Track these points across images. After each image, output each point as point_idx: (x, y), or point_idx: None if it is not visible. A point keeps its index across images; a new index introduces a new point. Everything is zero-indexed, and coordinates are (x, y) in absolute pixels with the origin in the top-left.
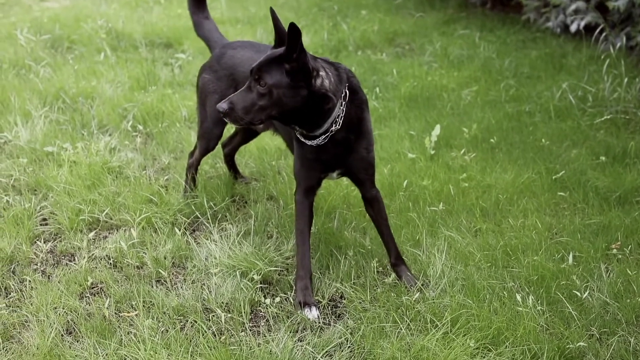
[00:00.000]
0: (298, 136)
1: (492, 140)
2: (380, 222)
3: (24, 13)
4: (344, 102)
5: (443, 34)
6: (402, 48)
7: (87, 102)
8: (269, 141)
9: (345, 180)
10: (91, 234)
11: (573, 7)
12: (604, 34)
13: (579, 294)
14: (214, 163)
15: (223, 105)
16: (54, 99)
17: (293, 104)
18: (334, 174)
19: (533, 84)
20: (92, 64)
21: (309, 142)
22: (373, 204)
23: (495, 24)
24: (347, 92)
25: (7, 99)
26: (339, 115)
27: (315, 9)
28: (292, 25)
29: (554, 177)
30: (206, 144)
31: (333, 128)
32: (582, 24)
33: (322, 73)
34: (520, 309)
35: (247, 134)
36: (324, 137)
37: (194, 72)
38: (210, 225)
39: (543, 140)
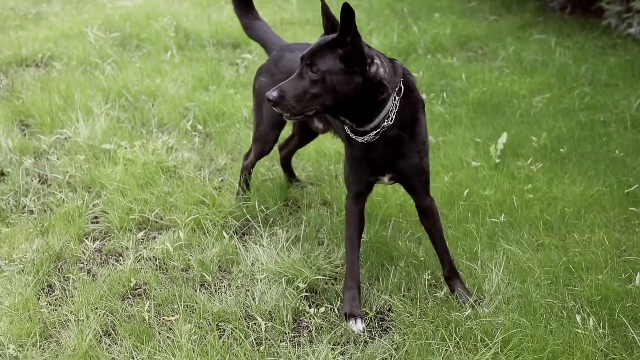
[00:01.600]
0: (348, 133)
1: (562, 150)
2: (435, 233)
3: (97, 11)
4: (397, 97)
5: (518, 39)
6: (474, 52)
7: (149, 101)
8: (329, 145)
9: (402, 187)
10: (140, 234)
11: None
12: None
13: None
14: (270, 166)
15: (273, 94)
16: (117, 96)
17: (347, 91)
18: (385, 179)
19: (610, 92)
20: (158, 62)
21: (359, 139)
22: (427, 213)
23: (573, 29)
24: (402, 87)
25: (71, 96)
26: (391, 110)
27: (387, 10)
28: (346, 6)
29: (626, 191)
30: (261, 147)
31: (385, 123)
32: None
33: (377, 61)
34: (579, 331)
35: (304, 136)
36: (375, 132)
37: None
38: (260, 229)
39: (617, 151)
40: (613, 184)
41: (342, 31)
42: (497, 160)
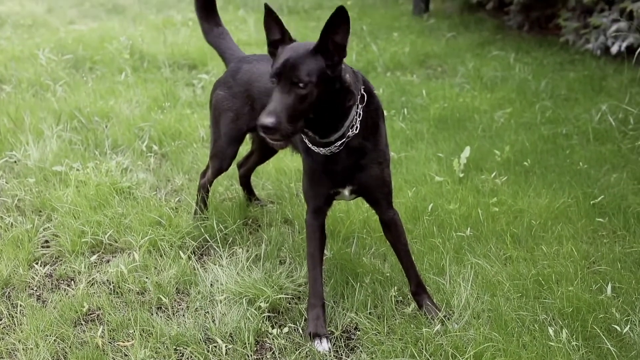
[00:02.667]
0: (309, 146)
1: (525, 163)
2: (399, 247)
3: (49, 35)
4: (360, 105)
5: (476, 56)
6: (433, 70)
7: (103, 122)
8: (289, 162)
9: (365, 204)
10: (93, 257)
11: (614, 28)
12: None
13: (618, 328)
14: (229, 185)
15: (269, 120)
16: (69, 118)
17: (327, 100)
18: (346, 192)
19: (570, 106)
20: (111, 84)
21: (321, 151)
22: (391, 227)
23: (532, 46)
24: (364, 94)
25: (20, 118)
26: (355, 117)
27: None
28: (342, 9)
29: (591, 202)
30: (219, 164)
31: (350, 132)
32: (624, 45)
33: (343, 66)
34: (553, 344)
35: (264, 153)
36: (340, 142)
37: None
38: (219, 249)
39: (580, 163)
40: (579, 196)
41: (327, 37)
42: (461, 175)
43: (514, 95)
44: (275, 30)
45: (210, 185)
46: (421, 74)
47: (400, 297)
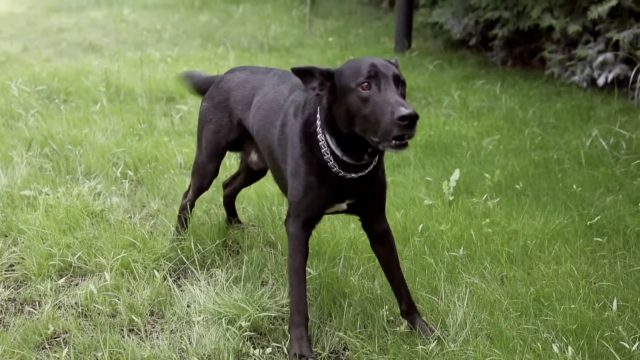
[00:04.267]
0: (336, 172)
1: (517, 186)
2: (391, 261)
3: (23, 69)
4: None
5: (462, 88)
6: (418, 102)
7: (76, 149)
8: (270, 187)
9: (352, 223)
10: (61, 280)
11: (600, 59)
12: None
13: (627, 345)
14: (207, 209)
15: (410, 110)
16: (40, 145)
17: None
18: (344, 205)
19: (560, 133)
20: (86, 113)
21: (349, 176)
22: (384, 240)
23: (517, 79)
24: None
25: None
26: None
27: (326, 64)
28: None
29: (588, 223)
30: (200, 181)
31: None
32: (610, 76)
33: None
34: None
35: (251, 175)
36: (372, 166)
37: (195, 122)
38: (197, 272)
39: (574, 186)
40: (574, 217)
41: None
42: (451, 198)
43: (501, 122)
44: (313, 76)
45: (192, 207)
46: None
47: (392, 318)
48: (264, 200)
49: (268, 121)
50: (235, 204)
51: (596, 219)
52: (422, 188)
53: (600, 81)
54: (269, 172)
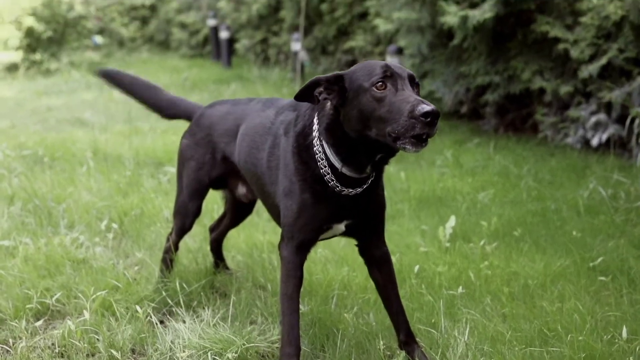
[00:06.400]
0: (333, 184)
1: (515, 233)
2: (390, 288)
3: (9, 139)
4: None
5: (455, 149)
6: (410, 163)
7: (59, 206)
8: (260, 236)
9: (346, 265)
10: (38, 323)
11: (593, 120)
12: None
13: None
14: (195, 257)
15: (432, 106)
16: (24, 202)
17: None
18: (341, 226)
19: (556, 187)
20: (72, 175)
21: (346, 191)
22: (382, 265)
23: (510, 143)
24: None
25: None
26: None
27: None
28: None
29: (591, 264)
30: (182, 221)
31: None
32: (605, 137)
33: None
34: None
35: (236, 214)
36: (371, 180)
37: None
38: (182, 311)
39: (574, 232)
40: (576, 259)
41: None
42: (447, 244)
43: (496, 178)
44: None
45: (176, 249)
46: (398, 168)
47: (389, 353)
48: (254, 249)
49: (255, 146)
50: (224, 252)
51: (599, 260)
52: (418, 236)
53: (594, 142)
54: (255, 210)
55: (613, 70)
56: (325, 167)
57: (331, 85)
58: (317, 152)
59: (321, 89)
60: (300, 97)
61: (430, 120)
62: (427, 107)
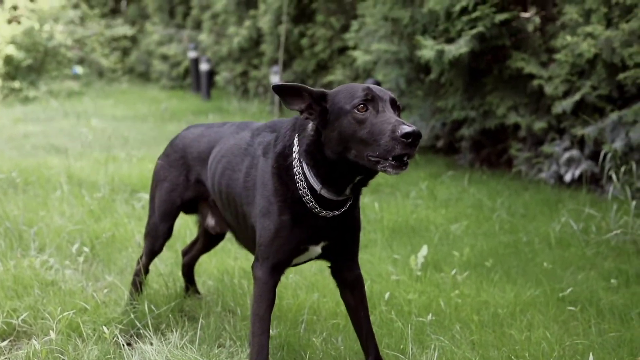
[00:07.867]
0: (311, 205)
1: (486, 263)
2: (361, 311)
3: None
4: None
5: (430, 182)
6: (386, 194)
7: (31, 229)
8: (231, 262)
9: (316, 292)
10: (4, 343)
11: (566, 156)
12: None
13: None
14: (167, 281)
15: (413, 127)
16: None
17: None
18: (318, 248)
19: (529, 220)
20: (45, 199)
21: (323, 213)
22: (355, 288)
23: (484, 178)
24: None
25: None
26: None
27: None
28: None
29: (560, 295)
30: (152, 243)
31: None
32: (577, 173)
33: None
34: None
35: (209, 239)
36: (350, 202)
37: None
38: (149, 334)
39: (545, 264)
40: (546, 289)
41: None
42: (419, 273)
43: (470, 210)
44: (300, 96)
45: (145, 271)
46: (372, 198)
47: None
48: (225, 274)
49: (230, 167)
50: (196, 277)
51: (568, 290)
52: (389, 264)
53: (568, 177)
54: (227, 237)
55: (586, 107)
56: (304, 188)
57: (313, 102)
58: (297, 173)
59: (302, 106)
60: (279, 89)
61: (412, 141)
62: (407, 128)
